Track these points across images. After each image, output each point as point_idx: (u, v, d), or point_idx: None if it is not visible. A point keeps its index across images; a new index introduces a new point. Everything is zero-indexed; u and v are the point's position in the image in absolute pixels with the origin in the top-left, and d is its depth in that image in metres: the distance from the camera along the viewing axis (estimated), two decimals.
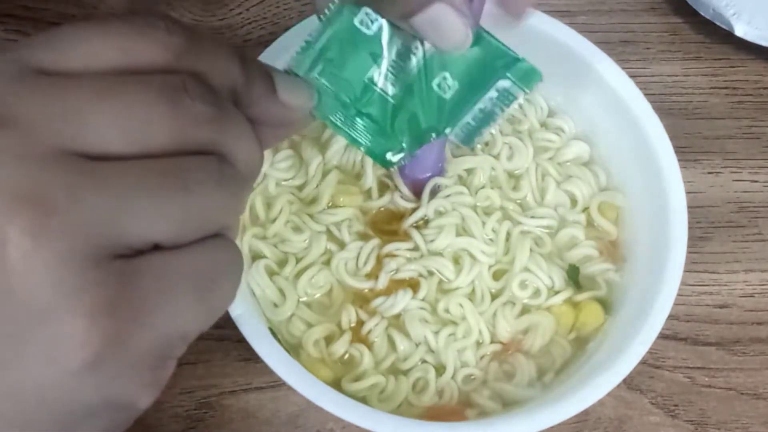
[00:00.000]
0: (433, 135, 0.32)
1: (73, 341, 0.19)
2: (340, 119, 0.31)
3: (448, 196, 0.42)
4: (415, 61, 0.30)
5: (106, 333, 0.20)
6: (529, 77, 0.31)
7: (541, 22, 0.42)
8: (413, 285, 0.40)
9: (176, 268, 0.21)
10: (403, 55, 0.30)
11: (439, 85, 0.31)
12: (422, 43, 0.30)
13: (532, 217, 0.42)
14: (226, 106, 0.23)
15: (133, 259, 0.20)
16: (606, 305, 0.41)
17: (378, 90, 0.30)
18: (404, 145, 0.32)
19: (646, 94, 0.42)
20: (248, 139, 0.24)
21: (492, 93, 0.31)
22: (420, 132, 0.32)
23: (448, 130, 0.32)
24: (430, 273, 0.41)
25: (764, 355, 0.45)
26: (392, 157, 0.32)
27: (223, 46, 0.24)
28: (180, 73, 0.22)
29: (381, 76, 0.30)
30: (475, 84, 0.31)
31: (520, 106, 0.45)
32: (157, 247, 0.21)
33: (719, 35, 0.52)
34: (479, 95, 0.31)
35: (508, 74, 0.31)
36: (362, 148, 0.32)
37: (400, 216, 0.42)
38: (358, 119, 0.31)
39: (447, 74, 0.31)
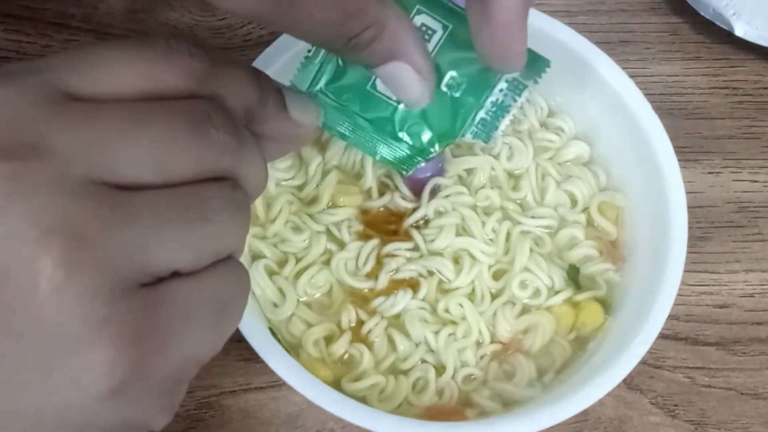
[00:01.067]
0: (449, 140, 0.32)
1: (100, 369, 0.20)
2: (348, 129, 0.31)
3: (448, 196, 0.42)
4: None
5: (131, 361, 0.20)
6: (536, 65, 0.31)
7: (541, 22, 0.42)
8: (413, 285, 0.40)
9: (195, 296, 0.22)
10: None
11: (448, 85, 0.31)
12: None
13: (532, 217, 0.42)
14: (243, 133, 0.24)
15: (155, 287, 0.21)
16: (606, 305, 0.41)
17: (380, 96, 0.30)
18: (418, 148, 0.31)
19: (646, 94, 0.42)
20: (259, 163, 0.25)
21: (502, 84, 0.31)
22: (433, 136, 0.31)
23: (463, 132, 0.32)
24: (430, 273, 0.41)
25: (764, 355, 0.45)
26: (405, 162, 0.32)
27: (241, 68, 0.25)
28: (202, 98, 0.22)
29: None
30: (484, 79, 0.31)
31: (520, 106, 0.45)
32: (174, 274, 0.22)
33: (719, 35, 0.52)
34: (489, 89, 0.31)
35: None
36: (376, 156, 0.32)
37: (400, 216, 0.42)
38: (364, 127, 0.31)
39: (454, 72, 0.30)
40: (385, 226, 0.42)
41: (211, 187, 0.22)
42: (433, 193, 0.42)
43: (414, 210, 0.42)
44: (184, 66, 0.22)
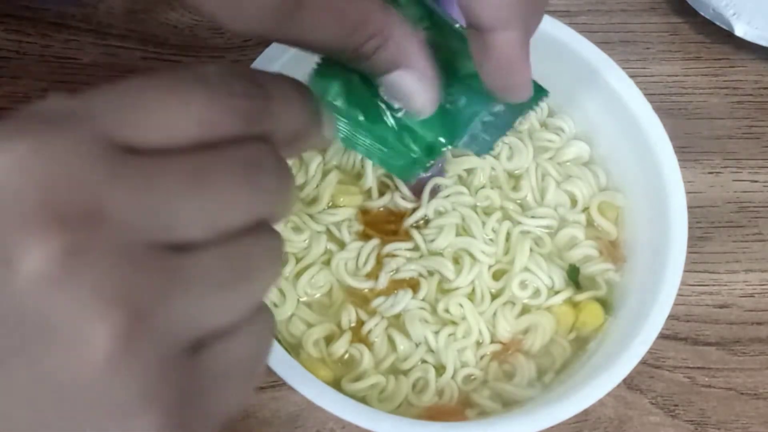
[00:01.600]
0: (444, 148, 0.32)
1: None
2: (354, 136, 0.31)
3: (448, 196, 0.42)
4: None
5: (175, 427, 0.20)
6: (535, 93, 0.31)
7: (541, 22, 0.42)
8: (413, 285, 0.40)
9: (234, 355, 0.21)
10: None
11: (446, 99, 0.31)
12: None
13: (532, 217, 0.42)
14: (286, 171, 0.23)
15: (200, 352, 0.20)
16: (606, 305, 0.41)
17: (383, 106, 0.30)
18: (416, 157, 0.32)
19: (646, 94, 0.42)
20: (291, 200, 0.24)
21: (498, 106, 0.31)
22: (428, 144, 0.32)
23: (457, 141, 0.32)
24: (430, 273, 0.41)
25: (764, 355, 0.45)
26: (406, 170, 0.32)
27: (294, 97, 0.23)
28: (254, 138, 0.21)
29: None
30: (480, 98, 0.31)
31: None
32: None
33: (719, 35, 0.52)
34: (487, 108, 0.31)
35: None
36: (377, 162, 0.32)
37: (400, 216, 0.42)
38: (369, 135, 0.31)
39: (452, 89, 0.31)
40: (385, 226, 0.42)
41: (255, 242, 0.22)
42: (433, 193, 0.42)
43: (414, 210, 0.42)
44: (240, 108, 0.21)
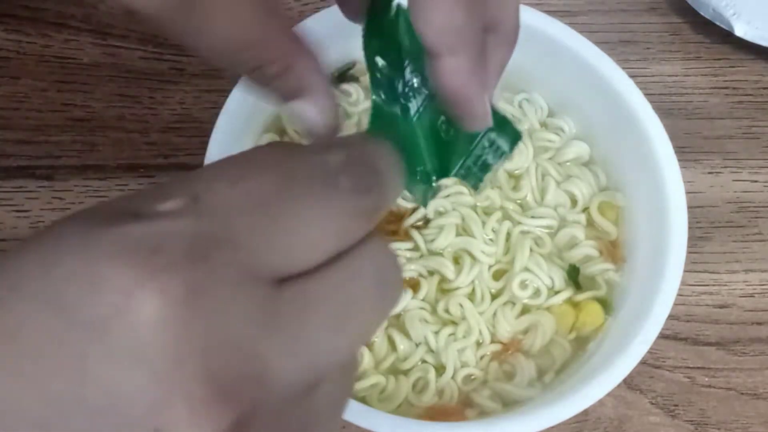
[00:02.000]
0: (435, 176, 0.32)
1: None
2: None
3: (448, 195, 0.42)
4: (416, 103, 0.30)
5: None
6: (511, 135, 0.32)
7: (541, 22, 0.42)
8: (413, 285, 0.40)
9: None
10: (407, 96, 0.30)
11: (441, 129, 0.31)
12: (423, 86, 0.30)
13: (532, 217, 0.42)
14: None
15: None
16: (606, 305, 0.41)
17: (422, 141, 0.31)
18: (428, 184, 0.32)
19: (646, 94, 0.42)
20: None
21: (484, 142, 0.32)
22: (426, 172, 0.32)
23: (453, 171, 0.32)
24: (430, 273, 0.41)
25: (764, 355, 0.45)
26: (425, 197, 0.33)
27: (395, 173, 0.22)
28: (374, 239, 0.20)
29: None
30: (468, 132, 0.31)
31: (520, 106, 0.45)
32: None
33: (719, 35, 0.52)
34: (473, 141, 0.32)
35: (495, 130, 0.31)
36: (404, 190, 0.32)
37: (400, 216, 0.42)
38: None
39: (444, 117, 0.31)
40: (385, 226, 0.42)
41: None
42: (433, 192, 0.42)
43: (414, 210, 0.42)
44: (367, 209, 0.20)
